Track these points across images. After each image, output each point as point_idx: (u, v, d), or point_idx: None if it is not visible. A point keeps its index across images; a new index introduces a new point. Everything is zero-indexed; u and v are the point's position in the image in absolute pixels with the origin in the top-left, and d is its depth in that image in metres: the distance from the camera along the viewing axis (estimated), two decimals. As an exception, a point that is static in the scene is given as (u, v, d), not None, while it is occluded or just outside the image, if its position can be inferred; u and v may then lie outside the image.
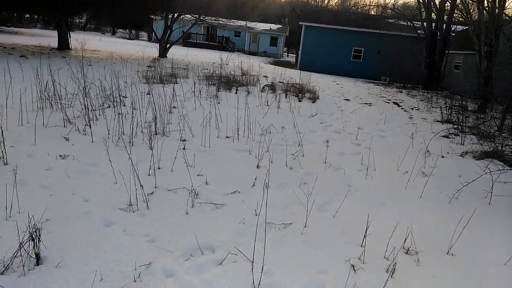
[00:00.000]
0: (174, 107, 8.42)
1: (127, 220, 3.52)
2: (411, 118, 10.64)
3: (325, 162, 5.95)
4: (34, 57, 14.21)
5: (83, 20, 49.51)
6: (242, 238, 3.38)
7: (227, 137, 6.68)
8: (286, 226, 3.71)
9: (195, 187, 4.31)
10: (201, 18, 22.86)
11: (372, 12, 31.15)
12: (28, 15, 39.09)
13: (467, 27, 21.54)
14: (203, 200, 4.08)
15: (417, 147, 7.33)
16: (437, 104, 14.51)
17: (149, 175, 4.57)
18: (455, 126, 9.63)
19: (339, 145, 7.09)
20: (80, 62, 13.24)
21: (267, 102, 10.26)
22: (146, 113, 7.07)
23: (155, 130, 6.33)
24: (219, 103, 9.67)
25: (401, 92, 18.15)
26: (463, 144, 7.74)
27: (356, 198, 4.64)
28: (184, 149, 5.67)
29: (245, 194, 4.39)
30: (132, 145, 5.63)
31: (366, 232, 3.41)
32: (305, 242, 3.45)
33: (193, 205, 3.96)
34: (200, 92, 10.32)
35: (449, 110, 11.92)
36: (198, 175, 4.76)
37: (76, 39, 23.29)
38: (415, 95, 16.98)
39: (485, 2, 12.62)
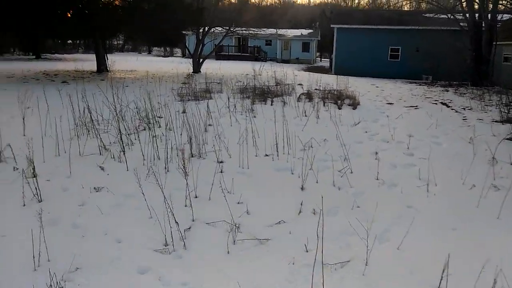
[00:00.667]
0: (209, 125, 8.13)
1: (163, 265, 3.15)
2: (465, 119, 9.70)
3: (377, 179, 5.35)
4: (74, 82, 14.61)
5: (120, 42, 51.55)
6: (293, 284, 2.91)
7: (266, 155, 6.25)
8: (343, 265, 3.20)
9: (235, 218, 3.90)
10: (232, 30, 22.81)
11: (406, 8, 29.71)
12: (70, 41, 41.21)
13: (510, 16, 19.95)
14: (245, 235, 3.65)
15: (479, 154, 6.52)
16: (490, 101, 13.31)
17: (185, 206, 4.21)
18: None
19: (390, 156, 6.44)
20: (116, 84, 13.44)
21: (305, 112, 9.75)
22: (181, 134, 6.80)
23: (191, 152, 6.03)
24: (255, 117, 9.29)
25: (447, 91, 16.94)
26: (533, 147, 6.82)
27: (420, 222, 4.03)
28: (221, 172, 5.31)
29: (292, 224, 3.92)
30: (168, 171, 5.34)
31: (443, 273, 2.81)
32: (368, 287, 2.91)
33: (234, 241, 3.55)
34: (235, 106, 10.00)
35: (507, 108, 10.82)
36: (238, 203, 4.35)
37: (115, 61, 24.01)
38: (464, 93, 15.76)
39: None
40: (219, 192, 4.49)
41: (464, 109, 11.40)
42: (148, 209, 3.96)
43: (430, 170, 5.54)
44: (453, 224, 3.99)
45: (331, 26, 26.99)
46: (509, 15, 19.55)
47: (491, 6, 18.42)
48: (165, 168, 5.39)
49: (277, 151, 6.36)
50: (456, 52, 19.79)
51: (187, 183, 4.35)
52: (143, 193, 3.90)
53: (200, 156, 5.98)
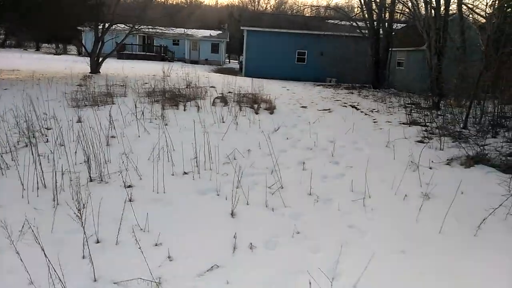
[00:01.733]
0: (112, 137, 6.91)
1: None
2: (376, 122, 10.00)
3: (310, 193, 4.88)
4: None
5: (0, 37, 44.62)
6: None
7: (185, 172, 5.37)
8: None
9: (155, 269, 3.00)
10: (136, 27, 21.00)
11: (308, 14, 30.97)
12: None
13: (405, 25, 22.02)
14: (169, 294, 2.78)
15: (399, 158, 6.55)
16: (391, 103, 14.24)
17: (83, 257, 3.15)
18: (423, 127, 9.14)
19: (317, 166, 6.07)
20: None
21: (223, 119, 9.04)
22: (76, 152, 5.53)
23: (89, 176, 4.86)
24: (166, 125, 8.29)
25: (352, 93, 17.82)
26: (442, 149, 7.11)
27: (368, 247, 3.60)
28: (130, 201, 4.29)
29: (227, 268, 3.16)
30: (57, 204, 4.13)
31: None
32: None
33: (155, 306, 2.66)
34: (142, 113, 8.82)
35: (409, 110, 11.56)
36: (156, 245, 3.43)
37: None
38: (367, 96, 16.70)
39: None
40: (129, 231, 3.50)
41: (372, 111, 11.87)
42: (27, 271, 2.81)
43: (359, 180, 5.28)
44: (401, 245, 3.65)
45: (241, 28, 26.77)
46: (402, 24, 21.46)
47: (388, 16, 19.94)
48: (54, 200, 4.16)
49: (198, 167, 5.52)
50: (358, 57, 21.05)
51: (83, 223, 3.27)
52: (17, 252, 2.75)
53: (102, 180, 4.84)
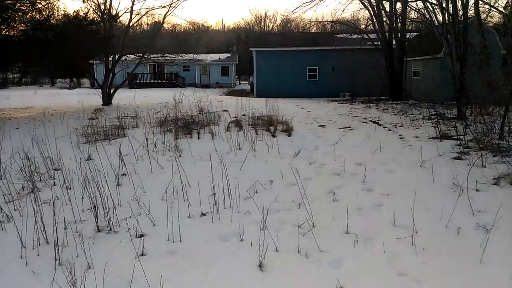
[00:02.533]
0: (123, 175, 6.44)
1: None
2: (403, 138, 9.32)
3: (347, 232, 4.24)
4: None
5: (17, 75, 45.82)
6: None
7: (203, 214, 4.81)
8: None
9: None
10: (146, 57, 21.02)
11: (314, 30, 30.69)
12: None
13: (418, 33, 21.44)
14: None
15: (438, 180, 5.87)
16: (412, 115, 13.52)
17: None
18: (456, 141, 8.42)
19: (349, 195, 5.44)
20: (3, 126, 10.95)
21: (239, 145, 8.52)
22: (82, 197, 5.05)
23: (97, 225, 4.34)
24: (180, 156, 7.81)
25: (369, 107, 17.17)
26: (484, 166, 6.38)
27: (429, 303, 2.94)
28: (143, 255, 3.74)
29: None
30: (60, 263, 3.61)
31: None
32: None
33: None
34: (155, 145, 8.38)
35: (435, 122, 10.85)
36: (173, 316, 2.86)
37: (7, 97, 20.53)
38: (386, 109, 16.02)
39: (448, 3, 11.93)
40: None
41: (395, 126, 11.19)
42: None
43: (400, 210, 4.63)
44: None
45: (250, 49, 26.66)
46: (415, 33, 20.90)
47: (400, 25, 19.43)
48: (55, 260, 3.64)
49: (216, 205, 4.96)
50: (372, 69, 20.49)
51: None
52: None
53: (111, 230, 4.32)
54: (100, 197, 4.74)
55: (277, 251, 3.82)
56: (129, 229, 4.21)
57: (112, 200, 4.97)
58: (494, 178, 5.76)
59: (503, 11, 17.76)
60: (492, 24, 18.61)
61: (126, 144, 8.54)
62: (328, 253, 3.77)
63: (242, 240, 4.09)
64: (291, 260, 3.66)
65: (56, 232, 3.81)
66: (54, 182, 6.10)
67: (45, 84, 48.58)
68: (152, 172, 6.68)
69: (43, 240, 4.03)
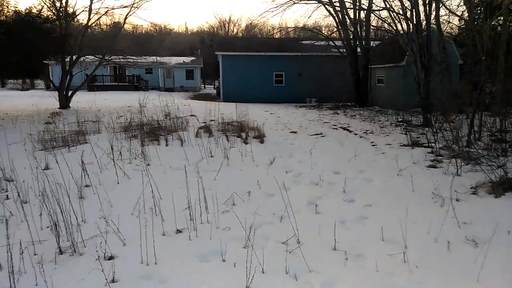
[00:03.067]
0: (86, 186, 5.88)
1: None
2: (375, 146, 9.34)
3: (335, 248, 4.01)
4: None
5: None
6: None
7: (178, 230, 4.40)
8: None
9: None
10: (106, 58, 20.02)
11: (278, 36, 30.70)
12: None
13: (381, 42, 22.05)
14: None
15: (418, 189, 5.82)
16: (380, 122, 13.76)
17: None
18: (427, 148, 8.55)
19: (331, 207, 5.24)
20: None
21: (211, 153, 8.15)
22: (41, 213, 4.47)
23: (58, 247, 3.82)
24: (149, 165, 7.32)
25: (337, 113, 17.32)
26: (460, 175, 6.44)
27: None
28: (113, 281, 3.29)
29: None
30: (13, 297, 3.09)
31: None
32: None
33: None
34: (120, 152, 7.82)
35: (404, 129, 11.05)
36: None
37: None
38: (354, 115, 16.22)
39: (412, 14, 12.24)
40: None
41: (366, 133, 11.26)
42: None
43: (386, 223, 4.48)
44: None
45: (216, 53, 26.25)
46: (380, 41, 21.45)
47: (364, 33, 19.85)
48: (9, 291, 3.11)
49: (193, 220, 4.57)
50: (337, 75, 20.77)
51: None
52: None
53: (75, 251, 3.81)
54: (62, 212, 4.21)
55: (263, 272, 3.51)
56: (96, 250, 3.73)
57: (75, 216, 4.45)
58: (471, 187, 5.79)
59: (459, 24, 18.67)
60: (450, 34, 19.48)
61: (88, 151, 7.89)
62: (318, 274, 3.51)
63: (224, 260, 3.74)
64: (281, 283, 3.37)
65: (11, 256, 3.27)
66: (7, 196, 5.43)
67: (-6, 85, 45.32)
68: (118, 183, 6.16)
69: (-6, 266, 3.47)
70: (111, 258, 3.70)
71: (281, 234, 4.33)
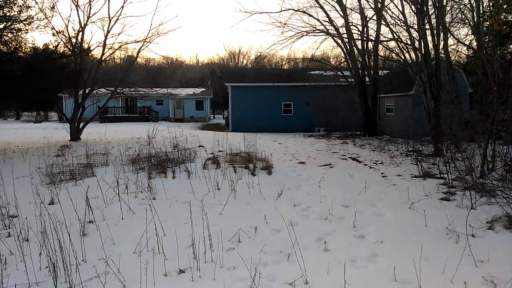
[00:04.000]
0: (90, 222, 5.78)
1: None
2: (385, 177, 9.13)
3: (345, 291, 3.79)
4: None
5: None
6: None
7: (181, 271, 4.23)
8: None
9: None
10: (118, 91, 20.44)
11: (286, 66, 31.00)
12: None
13: (390, 71, 22.16)
14: None
15: (431, 224, 5.58)
16: (390, 151, 13.55)
17: None
18: (439, 179, 8.30)
19: (341, 244, 5.02)
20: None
21: (218, 185, 8.03)
22: (40, 253, 4.36)
23: (55, 290, 3.69)
24: (154, 198, 7.22)
25: (346, 143, 17.17)
26: (474, 208, 6.18)
27: None
28: (110, 330, 3.13)
29: None
30: None
31: None
32: None
33: None
34: (126, 186, 7.76)
35: (414, 159, 10.82)
36: None
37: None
38: (363, 145, 16.04)
39: (420, 44, 12.29)
40: None
41: (375, 163, 11.06)
42: None
43: (398, 262, 4.25)
44: None
45: (225, 84, 26.68)
46: (388, 71, 21.56)
47: (372, 63, 20.00)
48: None
49: (196, 259, 4.41)
50: (345, 105, 20.79)
51: None
52: None
53: (72, 294, 3.68)
54: (61, 251, 4.10)
55: (270, 319, 3.30)
56: (94, 293, 3.58)
57: (75, 255, 4.32)
58: (487, 222, 5.53)
59: (467, 53, 18.69)
60: (459, 63, 19.49)
61: (95, 185, 7.85)
62: (328, 321, 3.29)
63: (228, 305, 3.55)
64: (287, 331, 3.15)
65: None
66: (9, 233, 5.35)
67: (10, 117, 46.57)
68: (123, 218, 6.05)
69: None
70: (109, 302, 3.54)
71: (288, 274, 4.13)
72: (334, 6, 19.46)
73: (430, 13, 12.07)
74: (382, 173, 9.55)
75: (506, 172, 8.31)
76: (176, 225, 5.49)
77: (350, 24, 19.18)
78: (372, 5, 17.40)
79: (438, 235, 5.18)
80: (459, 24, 14.11)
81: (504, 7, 12.15)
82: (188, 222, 5.32)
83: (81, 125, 18.96)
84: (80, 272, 4.00)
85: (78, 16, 18.73)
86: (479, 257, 4.33)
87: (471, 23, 12.45)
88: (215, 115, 54.80)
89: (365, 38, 19.34)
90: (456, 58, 17.67)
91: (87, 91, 19.04)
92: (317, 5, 19.56)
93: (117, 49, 20.45)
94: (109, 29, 19.20)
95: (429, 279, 3.89)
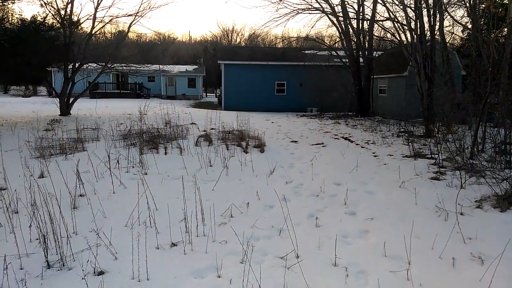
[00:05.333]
0: (81, 195, 5.73)
1: None
2: (377, 156, 9.18)
3: (335, 265, 3.84)
4: None
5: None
6: None
7: (173, 244, 4.24)
8: None
9: None
10: (109, 66, 20.02)
11: (280, 45, 30.56)
12: None
13: (384, 52, 22.00)
14: None
15: (421, 202, 5.65)
16: (381, 132, 13.60)
17: None
18: (431, 160, 8.38)
19: (332, 220, 5.07)
20: None
21: (210, 162, 8.00)
22: (30, 225, 4.31)
23: (46, 260, 3.66)
24: (146, 173, 7.18)
25: (338, 123, 17.18)
26: (464, 187, 6.26)
27: None
28: (102, 299, 3.14)
29: None
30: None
31: None
32: None
33: None
34: (117, 161, 7.68)
35: (406, 140, 10.88)
36: None
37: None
38: (355, 125, 16.07)
39: (416, 24, 12.16)
40: None
41: (367, 143, 11.10)
42: None
43: (388, 238, 4.32)
44: None
45: (219, 62, 26.28)
46: (381, 52, 21.40)
47: (367, 43, 19.81)
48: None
49: (188, 233, 4.42)
50: (339, 85, 20.68)
51: None
52: None
53: (64, 265, 3.65)
54: (52, 223, 4.06)
55: (261, 290, 3.34)
56: (86, 264, 3.57)
57: (66, 228, 4.29)
58: (476, 201, 5.62)
59: (463, 35, 18.60)
60: (453, 45, 19.41)
61: (85, 159, 7.79)
62: (319, 292, 3.34)
63: (219, 277, 3.57)
64: (279, 302, 3.20)
65: (-6, 271, 3.12)
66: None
67: (-3, 91, 45.52)
68: (114, 192, 6.01)
69: (-23, 281, 3.31)
70: (101, 273, 3.53)
71: (280, 248, 4.17)
72: (330, -17, 19.06)
73: (427, -8, 11.91)
74: (373, 153, 9.60)
75: (496, 153, 8.42)
76: (168, 199, 5.48)
77: (346, 2, 18.85)
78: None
79: (428, 213, 5.25)
80: (455, 6, 13.97)
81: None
82: (180, 197, 5.32)
83: (71, 100, 18.62)
84: (71, 244, 3.98)
85: (67, -13, 18.00)
86: (468, 234, 4.41)
87: (467, 4, 12.31)
88: (208, 94, 54.24)
89: (360, 18, 19.08)
90: (451, 40, 17.58)
91: (77, 65, 18.62)
92: (314, -18, 19.14)
93: (107, 22, 19.93)
94: (99, 1, 18.64)
95: (418, 255, 3.95)
